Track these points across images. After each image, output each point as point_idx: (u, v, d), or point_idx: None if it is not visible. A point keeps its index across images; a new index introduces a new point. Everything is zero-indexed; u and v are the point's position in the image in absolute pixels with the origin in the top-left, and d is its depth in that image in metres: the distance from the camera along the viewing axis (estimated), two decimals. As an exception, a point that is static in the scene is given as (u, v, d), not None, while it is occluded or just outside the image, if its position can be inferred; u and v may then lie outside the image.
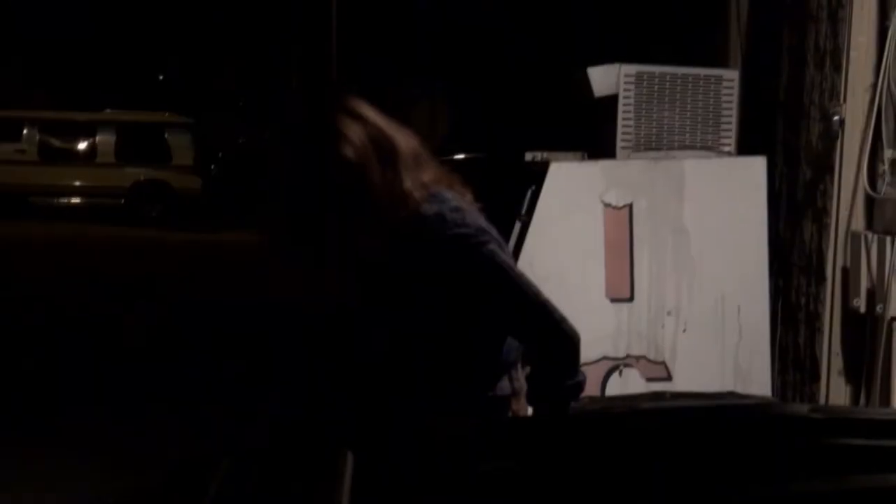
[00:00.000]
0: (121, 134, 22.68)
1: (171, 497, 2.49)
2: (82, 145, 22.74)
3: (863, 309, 5.24)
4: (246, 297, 11.62)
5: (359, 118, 2.94)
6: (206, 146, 23.76)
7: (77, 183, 22.42)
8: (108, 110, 23.68)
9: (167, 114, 24.26)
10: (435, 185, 2.98)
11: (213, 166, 24.54)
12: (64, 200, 22.39)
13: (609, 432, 2.70)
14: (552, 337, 2.95)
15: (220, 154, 25.55)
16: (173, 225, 20.81)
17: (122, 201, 22.32)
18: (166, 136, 22.87)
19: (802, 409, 3.53)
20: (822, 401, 5.35)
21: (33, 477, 5.87)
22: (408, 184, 2.92)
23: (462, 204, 2.99)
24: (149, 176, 22.46)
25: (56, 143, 22.56)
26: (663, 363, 5.19)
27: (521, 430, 2.93)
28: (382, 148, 2.92)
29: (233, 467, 2.45)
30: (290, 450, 2.63)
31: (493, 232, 3.00)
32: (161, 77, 35.04)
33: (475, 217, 2.99)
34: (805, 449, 2.36)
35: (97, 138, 22.66)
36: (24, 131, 22.36)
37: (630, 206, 5.16)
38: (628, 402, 3.59)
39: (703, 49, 6.41)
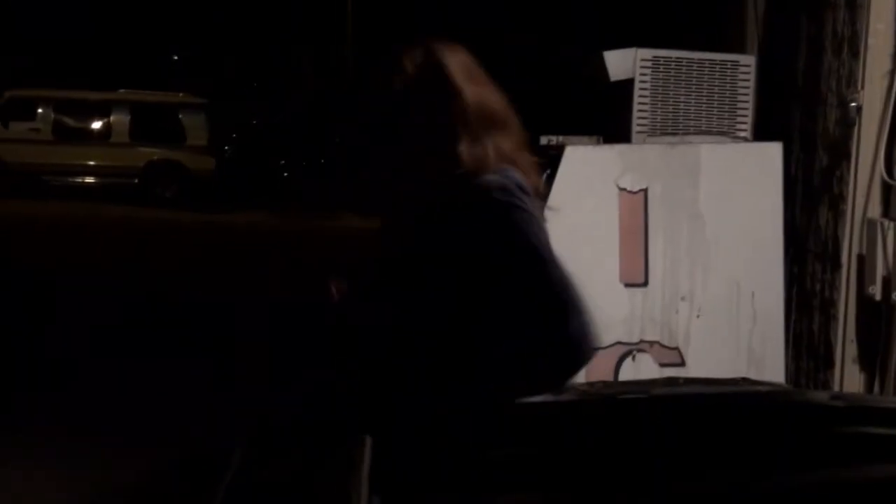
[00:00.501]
0: (135, 114, 22.68)
1: (176, 491, 2.49)
2: (96, 125, 22.74)
3: (878, 296, 5.23)
4: (250, 293, 11.56)
5: (428, 55, 2.64)
6: (220, 127, 23.75)
7: (91, 162, 22.39)
8: (123, 90, 23.68)
9: (181, 94, 24.25)
10: (499, 161, 2.61)
11: (227, 147, 24.56)
12: (78, 180, 22.36)
13: (621, 417, 2.69)
14: (558, 345, 2.35)
15: (234, 135, 25.56)
16: (187, 205, 20.81)
17: (136, 181, 22.31)
18: (180, 116, 22.86)
19: (823, 396, 3.52)
20: (835, 388, 5.34)
21: (33, 473, 5.86)
22: (462, 145, 2.57)
23: (522, 183, 2.62)
24: (163, 156, 22.47)
25: (70, 122, 22.55)
26: (677, 349, 5.18)
27: (530, 415, 2.91)
28: (440, 92, 2.61)
29: (244, 459, 2.44)
30: (303, 441, 2.62)
31: (541, 221, 2.60)
32: (176, 57, 35.10)
33: (529, 200, 2.59)
34: (826, 437, 2.35)
35: (111, 118, 22.67)
36: (39, 110, 22.38)
37: (645, 191, 5.14)
38: (641, 388, 3.59)
39: (718, 38, 6.39)
